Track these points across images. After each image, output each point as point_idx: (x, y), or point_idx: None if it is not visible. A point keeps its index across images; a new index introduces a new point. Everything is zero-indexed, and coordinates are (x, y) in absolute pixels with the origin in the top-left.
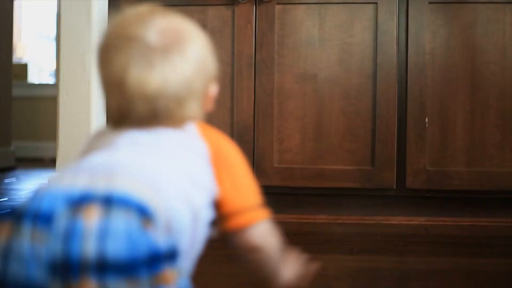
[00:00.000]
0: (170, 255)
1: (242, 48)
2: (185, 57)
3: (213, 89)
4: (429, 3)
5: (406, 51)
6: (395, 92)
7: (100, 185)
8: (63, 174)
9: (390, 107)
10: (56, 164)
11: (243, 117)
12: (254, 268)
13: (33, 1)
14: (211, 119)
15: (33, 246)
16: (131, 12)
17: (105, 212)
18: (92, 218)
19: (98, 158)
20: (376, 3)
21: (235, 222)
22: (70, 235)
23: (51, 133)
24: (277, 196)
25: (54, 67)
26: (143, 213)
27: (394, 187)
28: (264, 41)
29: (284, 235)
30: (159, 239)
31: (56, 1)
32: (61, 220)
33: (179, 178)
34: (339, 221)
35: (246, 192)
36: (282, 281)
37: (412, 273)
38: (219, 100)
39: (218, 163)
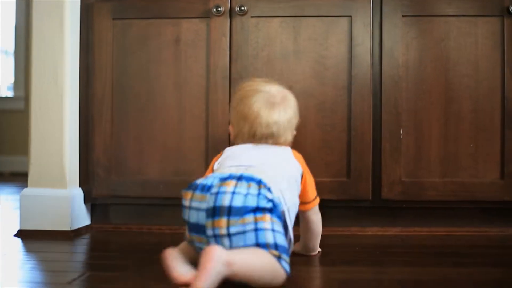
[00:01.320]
0: (269, 208)
1: (217, 61)
2: (289, 107)
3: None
4: (403, 16)
5: (380, 63)
6: (370, 104)
7: (238, 172)
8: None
9: (365, 119)
10: (29, 177)
11: (218, 130)
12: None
13: None
14: (186, 132)
15: (200, 203)
16: (254, 80)
17: (237, 183)
18: (229, 186)
19: (238, 159)
20: (351, 16)
21: (304, 207)
22: (217, 195)
23: (10, 147)
24: None
25: (12, 80)
26: (259, 183)
27: (370, 198)
28: (239, 54)
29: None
30: (265, 198)
31: (14, 14)
32: (214, 188)
33: (280, 174)
34: None
35: (311, 192)
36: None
37: (397, 284)
38: (193, 113)
39: (303, 177)
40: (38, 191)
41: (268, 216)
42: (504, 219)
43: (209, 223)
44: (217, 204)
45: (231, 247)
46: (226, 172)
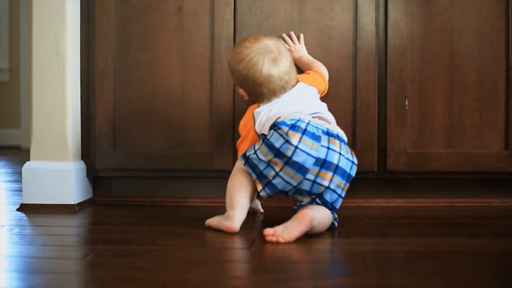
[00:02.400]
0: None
1: (220, 31)
2: (286, 53)
3: None
4: None
5: (385, 33)
6: (375, 74)
7: (319, 122)
8: (298, 114)
9: (370, 90)
10: (31, 151)
11: (222, 100)
12: None
13: None
14: (190, 103)
15: (311, 149)
16: (246, 45)
17: (340, 145)
18: (336, 146)
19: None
20: None
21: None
22: (328, 150)
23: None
24: None
25: None
26: (346, 144)
27: (375, 169)
28: (243, 24)
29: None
30: (355, 167)
31: None
32: (323, 141)
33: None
34: None
35: (325, 86)
36: None
37: (416, 254)
38: (197, 84)
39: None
40: (40, 164)
41: (347, 186)
42: (508, 190)
43: (315, 170)
44: (328, 158)
45: (315, 193)
46: (317, 122)
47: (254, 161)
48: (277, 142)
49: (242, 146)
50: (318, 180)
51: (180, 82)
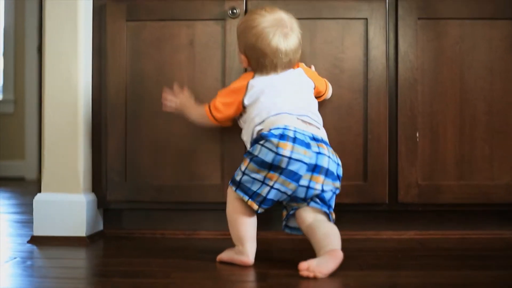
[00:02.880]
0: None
1: (232, 64)
2: (298, 31)
3: None
4: (418, 18)
5: (396, 66)
6: (386, 107)
7: (304, 127)
8: (286, 115)
9: (381, 122)
10: (42, 182)
11: (233, 135)
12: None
13: None
14: (201, 136)
15: (304, 156)
16: (260, 13)
17: (327, 148)
18: (325, 149)
19: (283, 103)
20: (366, 18)
21: (321, 98)
22: (318, 154)
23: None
24: (268, 213)
25: (1, 83)
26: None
27: (386, 201)
28: None
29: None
30: (340, 169)
31: (2, 17)
32: (314, 147)
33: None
34: None
35: (321, 86)
36: None
37: (430, 287)
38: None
39: (316, 88)
40: (51, 196)
41: (339, 184)
42: None
43: (307, 175)
44: (319, 163)
45: (310, 196)
46: (298, 126)
47: (247, 183)
48: (268, 156)
49: (221, 110)
50: (312, 184)
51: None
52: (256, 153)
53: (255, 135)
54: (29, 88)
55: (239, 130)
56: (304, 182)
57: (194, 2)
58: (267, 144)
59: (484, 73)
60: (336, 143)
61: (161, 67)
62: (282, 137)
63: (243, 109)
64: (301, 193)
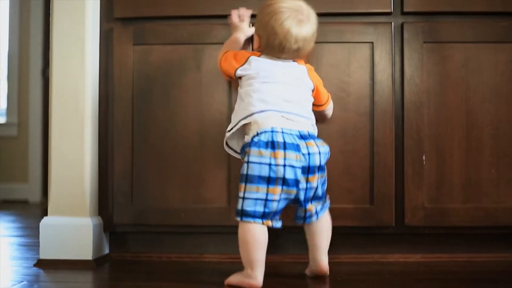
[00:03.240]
0: None
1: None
2: (314, 23)
3: None
4: (424, 42)
5: (402, 89)
6: (392, 130)
7: (291, 125)
8: (272, 114)
9: (387, 145)
10: (49, 206)
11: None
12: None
13: None
14: (208, 159)
15: (296, 161)
16: (286, 1)
17: (315, 143)
18: (313, 147)
19: (275, 98)
20: (372, 42)
21: (319, 108)
22: (309, 155)
23: (3, 174)
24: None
25: (5, 106)
26: (319, 139)
27: (393, 224)
28: None
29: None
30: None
31: (7, 41)
32: (303, 149)
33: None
34: (336, 260)
35: (323, 96)
36: None
37: None
38: (215, 140)
39: (315, 89)
40: (58, 219)
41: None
42: None
43: (304, 178)
44: (311, 163)
45: (309, 196)
46: (284, 126)
47: (251, 207)
48: (263, 171)
49: (227, 61)
50: (309, 185)
51: (198, 138)
52: (247, 171)
53: (238, 130)
54: (33, 111)
55: None
56: (302, 185)
57: (202, 26)
58: (257, 158)
59: (490, 96)
60: (342, 166)
61: (168, 90)
62: (272, 144)
63: (234, 78)
64: (301, 195)
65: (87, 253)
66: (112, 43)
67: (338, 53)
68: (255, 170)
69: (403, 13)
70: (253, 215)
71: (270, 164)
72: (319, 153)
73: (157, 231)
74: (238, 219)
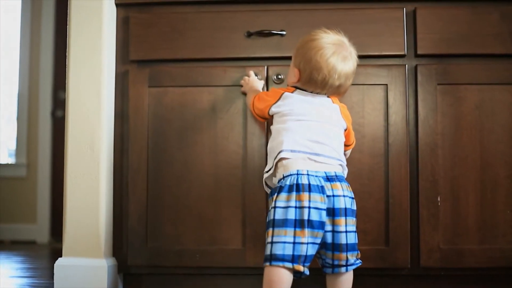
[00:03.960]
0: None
1: (253, 129)
2: (355, 60)
3: None
4: (438, 84)
5: (416, 131)
6: (407, 172)
7: (322, 168)
8: (300, 156)
9: (402, 187)
10: (63, 246)
11: (255, 198)
12: None
13: None
14: (223, 201)
15: (321, 203)
16: (324, 31)
17: (341, 186)
18: (339, 189)
19: (306, 135)
20: (386, 84)
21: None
22: (334, 197)
23: (11, 215)
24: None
25: (14, 146)
26: (346, 183)
27: (409, 266)
28: None
29: None
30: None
31: (17, 81)
32: (328, 191)
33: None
34: None
35: (352, 137)
36: None
37: None
38: (230, 182)
39: (347, 129)
40: (73, 260)
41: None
42: None
43: (329, 220)
44: (336, 206)
45: (343, 241)
46: (310, 168)
47: (280, 251)
48: (289, 214)
49: (262, 100)
50: (336, 228)
51: (213, 180)
52: (274, 217)
53: (273, 170)
54: (42, 152)
55: (260, 196)
56: (328, 227)
57: (216, 69)
58: (283, 203)
59: (504, 137)
60: (357, 208)
61: (183, 132)
62: (297, 187)
63: (269, 117)
64: (329, 239)
65: None
66: (127, 85)
67: (353, 95)
68: (281, 214)
69: (417, 56)
70: (282, 259)
71: (295, 207)
72: (344, 196)
73: (171, 272)
74: (267, 264)
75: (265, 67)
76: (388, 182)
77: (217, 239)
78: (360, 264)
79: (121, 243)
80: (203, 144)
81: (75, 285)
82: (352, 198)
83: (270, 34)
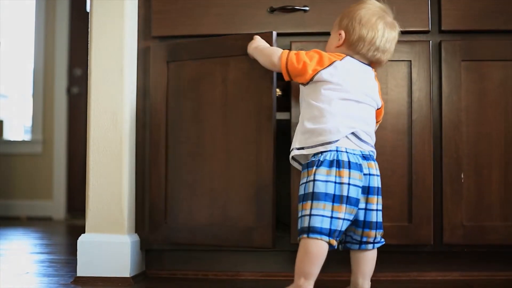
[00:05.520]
0: None
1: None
2: (397, 29)
3: None
4: (462, 60)
5: (440, 108)
6: (431, 148)
7: (362, 147)
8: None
9: (426, 163)
10: (86, 223)
11: (263, 174)
12: None
13: (8, 57)
14: (234, 177)
15: (359, 181)
16: (376, 3)
17: (374, 165)
18: (373, 169)
19: (353, 115)
20: (410, 60)
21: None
22: (369, 176)
23: (27, 191)
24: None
25: (30, 123)
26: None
27: (432, 242)
28: None
29: None
30: None
31: (33, 58)
32: (365, 169)
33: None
34: (374, 279)
35: (381, 115)
36: None
37: None
38: (241, 156)
39: (380, 108)
40: (96, 236)
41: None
42: None
43: (363, 198)
44: (371, 184)
45: (374, 219)
46: (349, 146)
47: (317, 224)
48: (329, 188)
49: (303, 60)
50: (369, 206)
51: (225, 154)
52: (313, 189)
53: (303, 141)
54: (58, 129)
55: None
56: (361, 205)
57: (228, 38)
58: (323, 177)
59: None
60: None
61: (198, 106)
62: (338, 164)
63: (310, 82)
64: (361, 216)
65: (124, 271)
66: (148, 61)
67: (376, 71)
68: (321, 188)
69: (441, 32)
70: (320, 232)
71: (335, 183)
72: (377, 175)
73: (191, 249)
74: (305, 236)
75: (289, 42)
76: (412, 159)
77: (229, 216)
78: (384, 243)
79: (143, 219)
80: (216, 118)
81: (98, 261)
82: (379, 176)
83: (293, 10)
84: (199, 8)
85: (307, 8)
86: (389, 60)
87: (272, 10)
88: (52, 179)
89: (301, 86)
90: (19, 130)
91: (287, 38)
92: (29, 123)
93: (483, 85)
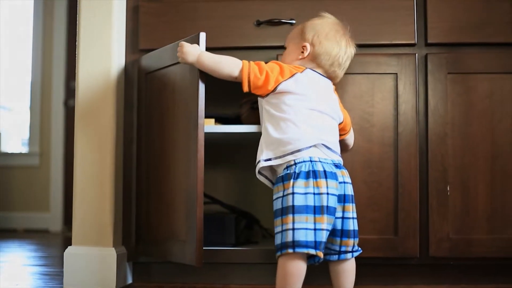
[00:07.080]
0: None
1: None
2: (354, 47)
3: None
4: (448, 73)
5: (426, 120)
6: (417, 161)
7: (329, 156)
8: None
9: (412, 176)
10: (73, 235)
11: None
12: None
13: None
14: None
15: (336, 189)
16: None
17: (346, 173)
18: (346, 176)
19: (320, 125)
20: (396, 73)
21: (342, 137)
22: (344, 184)
23: (24, 203)
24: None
25: (27, 135)
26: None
27: (418, 255)
28: None
29: None
30: None
31: (30, 71)
32: (339, 177)
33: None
34: None
35: (349, 124)
36: None
37: None
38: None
39: (344, 124)
40: (82, 249)
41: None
42: None
43: (340, 207)
44: (346, 192)
45: (351, 228)
46: (320, 156)
47: (302, 238)
48: (309, 200)
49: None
50: (346, 214)
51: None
52: (293, 203)
53: (279, 161)
54: (55, 141)
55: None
56: (338, 213)
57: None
58: (302, 189)
59: None
60: (366, 198)
61: (162, 115)
62: (314, 174)
63: (270, 93)
64: (338, 225)
65: (110, 283)
66: (136, 74)
67: (362, 84)
68: (301, 201)
69: (427, 45)
70: (305, 246)
71: (314, 194)
72: (350, 183)
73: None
74: (290, 251)
75: (275, 55)
76: (398, 171)
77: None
78: (361, 251)
79: (130, 231)
80: (178, 129)
81: (84, 273)
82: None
83: (280, 23)
84: (187, 21)
85: (293, 21)
86: (375, 73)
87: (259, 23)
88: (49, 192)
89: (259, 99)
90: (16, 142)
91: (274, 51)
92: (26, 135)
93: (469, 97)
